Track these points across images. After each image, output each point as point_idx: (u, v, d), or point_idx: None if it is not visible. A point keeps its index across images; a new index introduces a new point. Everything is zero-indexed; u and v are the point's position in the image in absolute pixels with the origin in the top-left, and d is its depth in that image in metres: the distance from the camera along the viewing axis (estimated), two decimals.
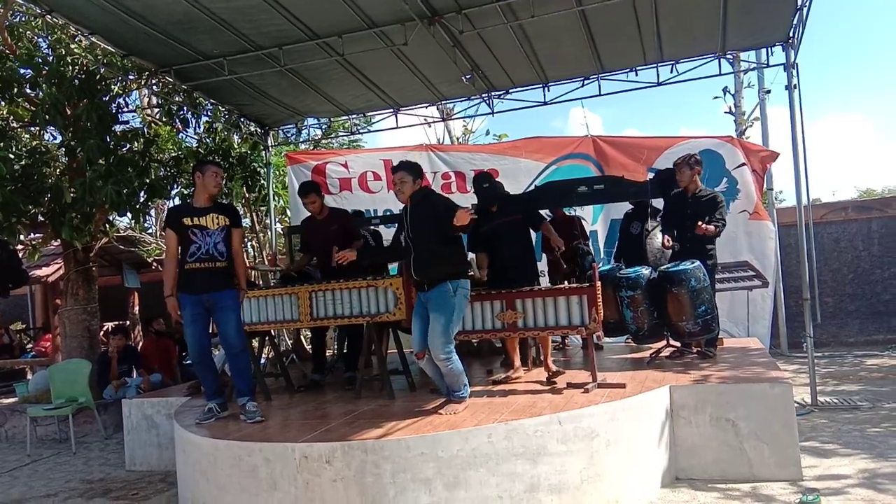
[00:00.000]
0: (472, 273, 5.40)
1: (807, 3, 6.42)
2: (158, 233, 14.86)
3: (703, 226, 5.62)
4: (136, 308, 12.76)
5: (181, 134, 9.24)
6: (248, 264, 8.19)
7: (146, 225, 14.36)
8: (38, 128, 8.15)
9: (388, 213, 9.21)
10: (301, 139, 11.71)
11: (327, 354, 7.10)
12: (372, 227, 7.65)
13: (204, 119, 9.10)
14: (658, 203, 6.84)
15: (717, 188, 8.35)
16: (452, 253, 4.64)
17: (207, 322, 5.01)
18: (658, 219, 6.86)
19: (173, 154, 8.88)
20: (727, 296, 8.24)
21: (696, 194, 6.02)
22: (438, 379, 4.71)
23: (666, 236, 5.98)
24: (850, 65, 45.95)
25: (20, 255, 10.02)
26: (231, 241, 4.97)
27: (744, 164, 8.52)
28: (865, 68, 44.75)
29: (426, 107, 9.46)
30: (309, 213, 6.28)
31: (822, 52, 41.57)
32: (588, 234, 8.22)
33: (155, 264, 12.26)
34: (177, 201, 9.41)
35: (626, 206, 7.31)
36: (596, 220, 9.18)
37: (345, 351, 6.63)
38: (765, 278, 8.41)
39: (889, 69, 41.56)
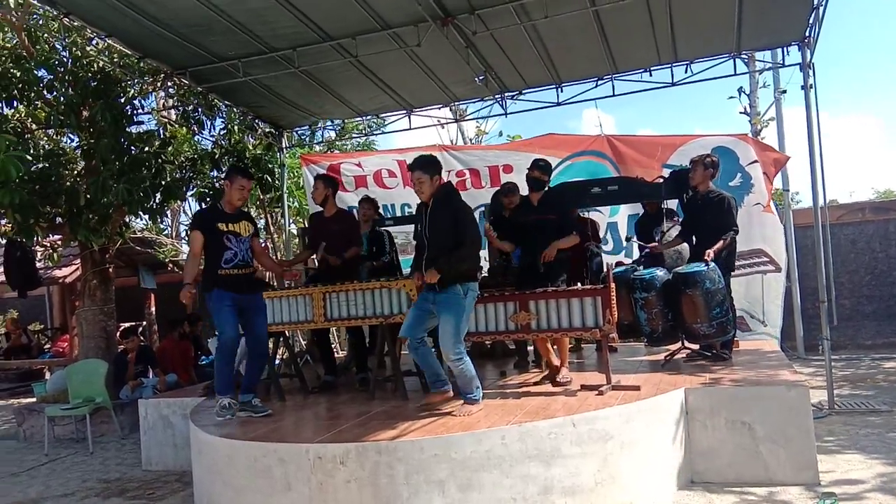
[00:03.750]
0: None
1: (823, 2, 6.36)
2: (174, 234, 14.98)
3: (709, 253, 5.58)
4: (153, 309, 12.86)
5: (197, 136, 9.31)
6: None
7: (162, 226, 14.49)
8: (55, 130, 8.24)
9: (404, 214, 9.23)
10: (315, 141, 11.77)
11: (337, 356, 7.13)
12: (385, 228, 7.65)
13: (219, 121, 9.19)
14: (671, 204, 6.80)
15: (731, 183, 8.34)
16: (466, 256, 4.57)
17: None
18: (674, 220, 6.83)
19: (189, 156, 8.94)
20: (744, 280, 8.42)
21: (706, 195, 5.99)
22: (425, 367, 4.70)
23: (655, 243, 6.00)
24: (864, 66, 45.44)
25: (39, 257, 10.13)
26: (254, 248, 5.15)
27: (756, 161, 8.50)
28: (879, 70, 44.21)
29: (439, 108, 9.45)
30: (320, 210, 6.32)
31: (836, 52, 41.16)
32: (600, 235, 8.20)
33: (171, 265, 12.36)
34: (192, 202, 9.49)
35: None
36: (615, 212, 9.14)
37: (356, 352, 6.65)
38: (778, 264, 8.54)
39: None
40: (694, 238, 6.07)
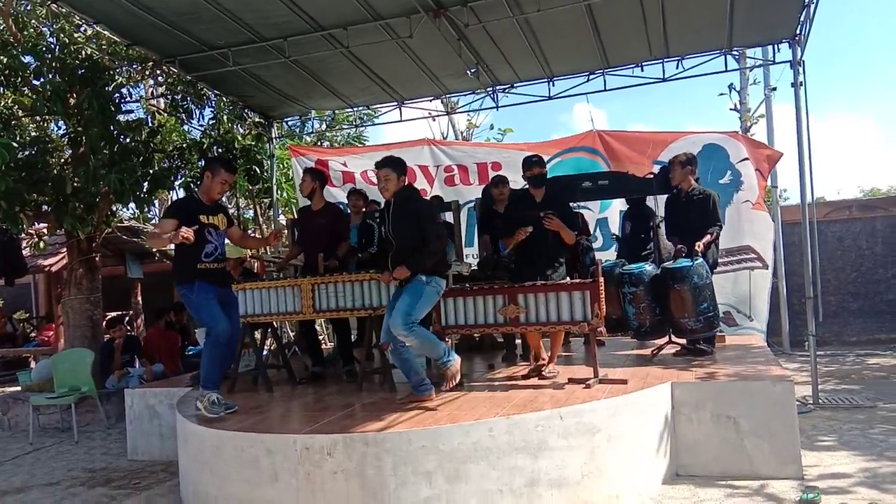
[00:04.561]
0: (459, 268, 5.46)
1: (814, 0, 6.39)
2: None
3: (699, 245, 5.63)
4: (139, 298, 12.78)
5: (185, 125, 9.24)
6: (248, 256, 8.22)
7: (150, 215, 14.35)
8: (41, 117, 8.16)
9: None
10: (305, 132, 11.70)
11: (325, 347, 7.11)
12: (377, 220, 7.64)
13: (208, 110, 9.12)
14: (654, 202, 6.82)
15: (721, 180, 8.39)
16: (434, 253, 4.59)
17: None
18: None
19: (177, 145, 8.88)
20: (731, 276, 8.53)
21: (689, 193, 6.02)
22: (408, 372, 4.68)
23: (678, 245, 5.97)
24: (855, 65, 45.76)
25: (25, 245, 10.03)
26: (233, 235, 5.14)
27: (747, 159, 8.54)
28: (869, 69, 44.55)
29: (430, 100, 9.42)
30: (307, 203, 6.31)
31: (827, 51, 41.41)
32: (590, 228, 8.22)
33: (157, 255, 12.28)
34: (179, 192, 9.41)
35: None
36: (605, 207, 9.16)
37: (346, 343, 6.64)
38: (765, 261, 8.62)
39: (893, 71, 41.36)
40: (677, 234, 6.09)
